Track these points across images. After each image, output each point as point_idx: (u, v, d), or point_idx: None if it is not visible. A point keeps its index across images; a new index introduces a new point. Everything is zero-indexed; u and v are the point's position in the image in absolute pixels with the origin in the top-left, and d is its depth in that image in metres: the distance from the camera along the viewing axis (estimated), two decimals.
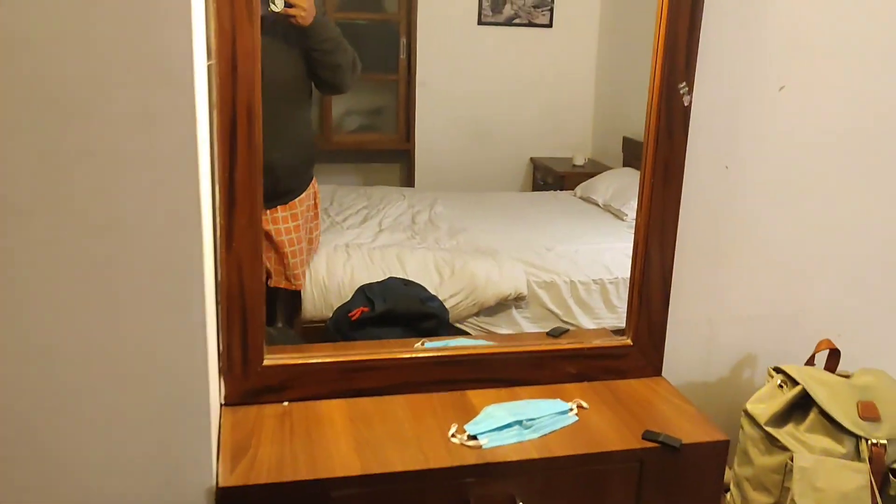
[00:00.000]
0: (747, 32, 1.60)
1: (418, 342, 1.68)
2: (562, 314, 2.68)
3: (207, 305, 1.26)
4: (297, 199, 1.98)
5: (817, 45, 1.65)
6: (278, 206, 1.95)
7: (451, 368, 1.56)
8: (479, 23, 3.98)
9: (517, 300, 2.64)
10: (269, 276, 1.98)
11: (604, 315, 2.72)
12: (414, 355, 1.54)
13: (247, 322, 1.46)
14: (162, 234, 1.16)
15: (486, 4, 3.97)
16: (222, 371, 1.47)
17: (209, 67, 1.36)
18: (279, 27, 1.83)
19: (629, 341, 1.65)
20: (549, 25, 4.04)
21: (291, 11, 1.75)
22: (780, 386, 1.60)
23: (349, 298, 2.15)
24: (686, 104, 1.57)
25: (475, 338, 2.56)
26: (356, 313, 2.00)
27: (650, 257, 1.62)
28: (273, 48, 1.82)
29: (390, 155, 4.19)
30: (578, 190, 3.76)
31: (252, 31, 1.37)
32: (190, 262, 1.19)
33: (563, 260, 2.78)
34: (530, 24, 4.02)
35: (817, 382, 1.56)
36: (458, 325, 2.65)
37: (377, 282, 2.21)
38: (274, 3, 1.71)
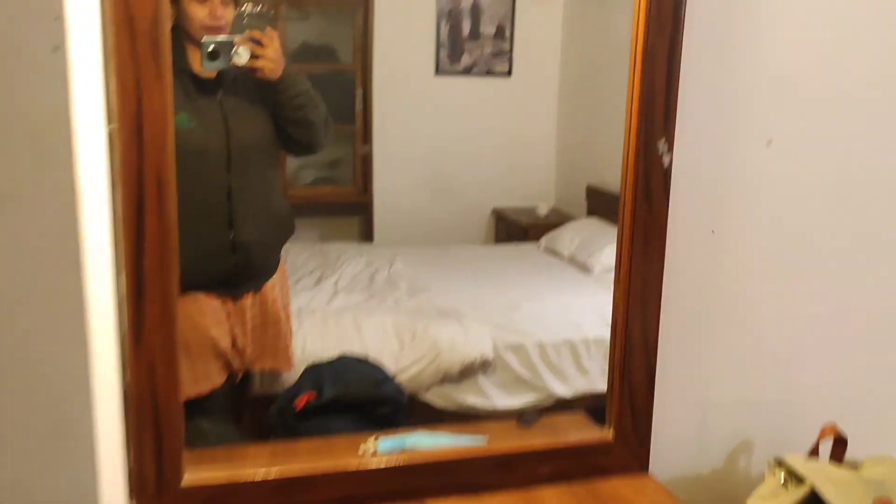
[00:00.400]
0: (730, 82, 1.41)
1: (370, 439, 1.43)
2: (531, 378, 2.45)
3: (100, 419, 1.01)
4: (268, 283, 1.73)
5: (806, 95, 1.46)
6: (249, 293, 1.69)
7: (407, 477, 1.31)
8: (437, 73, 3.81)
9: (483, 366, 2.42)
10: (233, 375, 1.73)
11: (575, 378, 2.50)
12: (362, 466, 1.30)
13: (161, 433, 1.20)
14: (33, 338, 0.91)
15: (443, 54, 3.80)
16: (133, 494, 1.21)
17: (110, 132, 1.13)
18: (241, 83, 1.59)
19: (610, 435, 1.41)
20: (509, 74, 3.88)
21: (257, 64, 1.51)
22: (784, 484, 1.38)
23: (297, 378, 1.91)
24: (666, 163, 1.36)
25: (438, 412, 2.32)
26: (301, 401, 1.75)
27: (631, 336, 1.40)
28: (237, 108, 1.58)
29: (348, 208, 3.98)
30: (543, 242, 3.56)
31: (161, 89, 1.14)
32: (71, 369, 0.94)
33: (530, 319, 2.56)
34: (489, 74, 3.85)
35: (826, 479, 1.34)
36: (421, 399, 2.41)
37: (327, 362, 1.96)
38: (237, 54, 1.49)
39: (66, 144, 0.89)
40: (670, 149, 1.35)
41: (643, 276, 1.38)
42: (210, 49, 1.48)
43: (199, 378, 1.67)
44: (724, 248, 1.46)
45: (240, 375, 1.73)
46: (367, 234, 3.88)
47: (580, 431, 1.45)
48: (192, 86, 1.56)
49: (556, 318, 2.64)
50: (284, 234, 1.76)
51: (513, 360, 2.48)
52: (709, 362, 1.50)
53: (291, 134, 1.64)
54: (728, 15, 1.38)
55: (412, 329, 2.42)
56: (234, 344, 1.70)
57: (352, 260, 3.18)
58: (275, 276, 1.74)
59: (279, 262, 1.78)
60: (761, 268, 1.49)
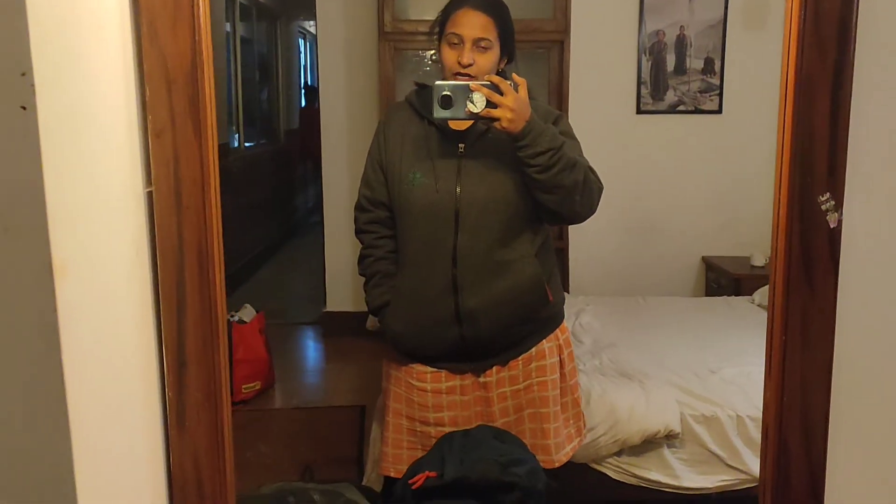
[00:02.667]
0: None
1: None
2: (726, 457, 2.04)
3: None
4: (520, 358, 1.48)
5: None
6: (492, 368, 1.47)
7: None
8: (638, 111, 3.48)
9: (669, 438, 2.06)
10: None
11: None
12: None
13: None
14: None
15: (645, 92, 3.46)
16: None
17: (148, 195, 1.01)
18: (491, 138, 1.36)
19: None
20: (719, 111, 3.45)
21: (495, 113, 1.25)
22: None
23: (431, 448, 1.70)
24: (832, 225, 1.00)
25: (615, 484, 2.01)
26: (418, 480, 1.53)
27: (786, 452, 1.04)
28: (478, 165, 1.38)
29: None
30: (757, 296, 3.08)
31: (201, 151, 1.00)
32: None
33: (729, 387, 2.16)
34: (696, 111, 3.45)
35: None
36: (594, 466, 2.11)
37: (463, 432, 1.72)
38: (472, 102, 1.27)
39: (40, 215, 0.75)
40: (838, 206, 0.99)
41: (801, 378, 1.02)
42: (442, 94, 1.27)
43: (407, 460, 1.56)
44: None
45: None
46: (562, 283, 3.60)
47: None
48: (436, 140, 1.40)
49: (758, 386, 2.20)
50: (529, 306, 1.44)
51: (704, 435, 2.10)
52: None
53: (540, 198, 1.34)
54: None
55: (587, 392, 2.12)
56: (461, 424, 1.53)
57: None
58: (532, 352, 1.47)
59: (546, 334, 1.50)
60: None
